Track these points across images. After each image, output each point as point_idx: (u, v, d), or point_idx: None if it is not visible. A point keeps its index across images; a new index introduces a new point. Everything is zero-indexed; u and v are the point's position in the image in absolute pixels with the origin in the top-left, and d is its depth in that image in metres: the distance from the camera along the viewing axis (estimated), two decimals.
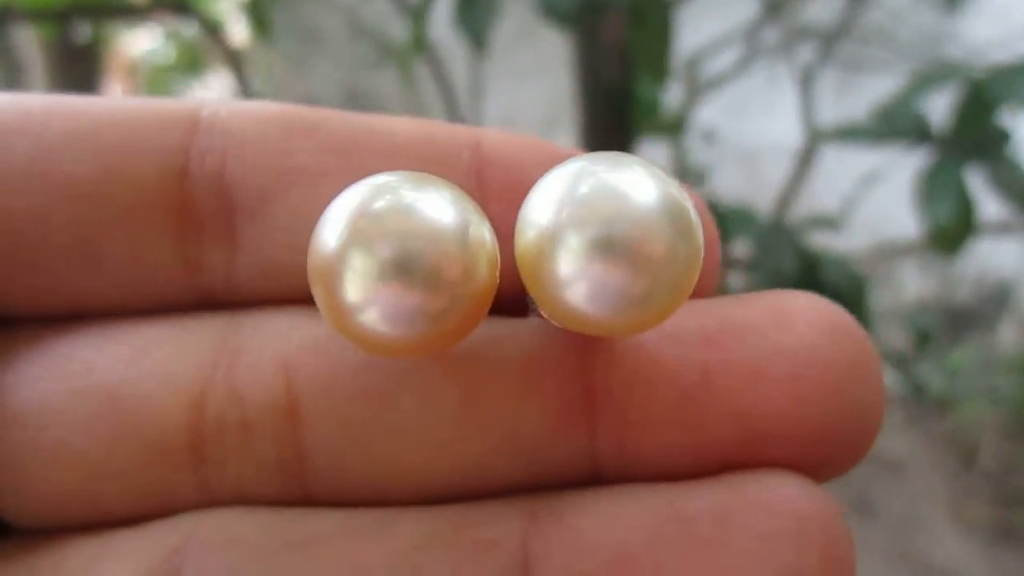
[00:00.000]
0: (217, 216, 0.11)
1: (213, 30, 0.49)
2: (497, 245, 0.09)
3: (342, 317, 0.09)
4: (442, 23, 0.49)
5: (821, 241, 0.52)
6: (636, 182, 0.09)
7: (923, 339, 0.66)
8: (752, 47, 0.65)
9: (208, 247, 0.11)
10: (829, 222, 0.52)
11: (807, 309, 0.10)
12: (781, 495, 0.09)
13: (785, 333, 0.10)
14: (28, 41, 0.61)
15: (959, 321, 1.09)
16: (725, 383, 0.10)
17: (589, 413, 0.10)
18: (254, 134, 0.11)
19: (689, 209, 0.09)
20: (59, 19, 0.44)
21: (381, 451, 0.10)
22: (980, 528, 0.89)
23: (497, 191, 0.11)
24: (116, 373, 0.10)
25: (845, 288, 0.49)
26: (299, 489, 0.10)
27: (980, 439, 0.97)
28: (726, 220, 0.50)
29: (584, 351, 0.10)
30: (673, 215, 0.09)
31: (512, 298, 0.11)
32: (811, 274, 0.49)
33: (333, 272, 0.09)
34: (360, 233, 0.09)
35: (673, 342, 0.10)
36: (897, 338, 0.83)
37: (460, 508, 0.10)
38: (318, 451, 0.10)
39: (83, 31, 0.57)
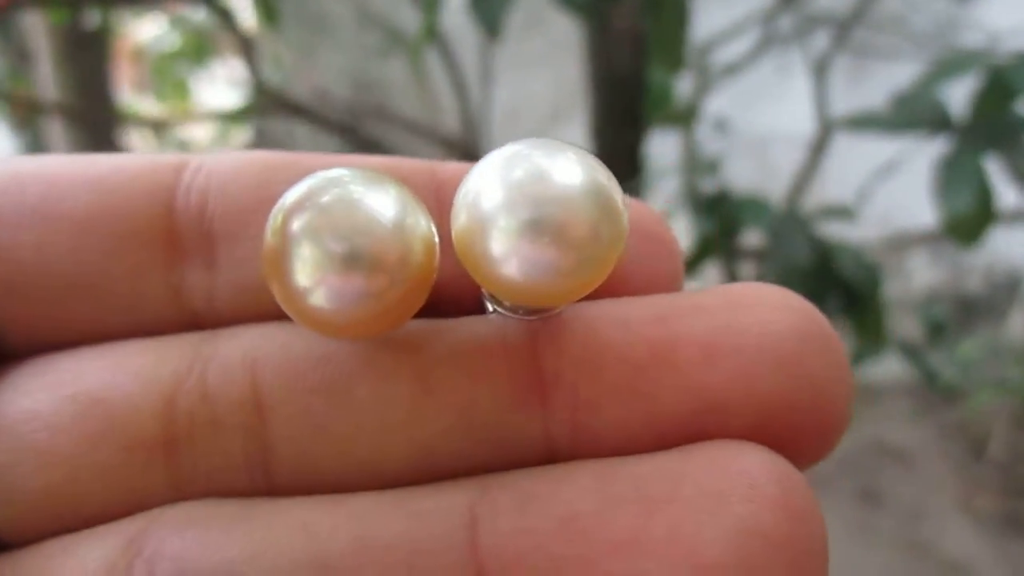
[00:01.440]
0: (199, 243, 0.12)
1: (226, 17, 0.49)
2: (435, 232, 0.10)
3: (293, 299, 0.10)
4: (451, 11, 0.49)
5: (832, 231, 0.52)
6: (565, 168, 0.09)
7: (935, 329, 0.65)
8: (766, 35, 0.65)
9: (191, 271, 0.12)
10: (844, 212, 0.52)
11: (761, 292, 0.10)
12: (735, 458, 0.09)
13: (736, 311, 0.10)
14: (35, 28, 0.61)
15: (969, 311, 1.08)
16: (675, 357, 0.10)
17: (541, 394, 0.10)
18: (234, 169, 0.12)
19: (614, 193, 0.10)
20: (72, 5, 0.44)
21: (340, 435, 0.10)
22: (989, 518, 0.89)
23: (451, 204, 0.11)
24: (99, 379, 0.11)
25: (859, 278, 0.49)
26: (265, 482, 0.11)
27: (990, 429, 0.97)
28: (739, 209, 0.50)
29: (535, 337, 0.11)
30: (598, 198, 0.09)
31: (471, 299, 0.12)
32: (824, 264, 0.49)
33: (284, 258, 0.10)
34: (309, 224, 0.09)
35: (623, 324, 0.10)
36: (908, 328, 0.83)
37: (413, 487, 0.10)
38: (282, 441, 0.10)
39: (92, 18, 0.57)
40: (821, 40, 0.68)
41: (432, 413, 0.10)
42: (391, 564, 0.09)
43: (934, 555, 0.83)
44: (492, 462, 0.10)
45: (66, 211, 0.11)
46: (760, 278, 0.55)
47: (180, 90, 1.03)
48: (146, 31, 1.02)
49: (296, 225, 0.10)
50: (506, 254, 0.09)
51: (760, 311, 0.10)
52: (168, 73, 0.98)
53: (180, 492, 0.11)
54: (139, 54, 1.05)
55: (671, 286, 0.11)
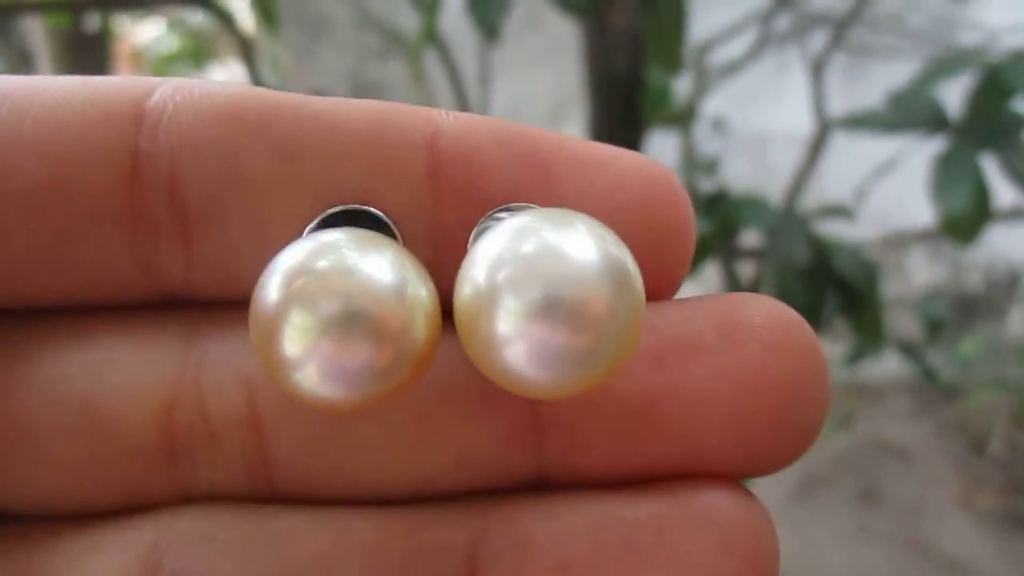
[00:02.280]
0: (171, 221, 0.10)
1: (226, 20, 0.49)
2: (438, 303, 0.10)
3: (281, 373, 0.09)
4: (450, 12, 0.49)
5: (830, 230, 0.52)
6: (577, 241, 0.09)
7: (934, 327, 0.65)
8: (764, 35, 0.65)
9: (164, 251, 0.11)
10: (842, 211, 0.52)
11: (759, 323, 0.10)
12: (713, 507, 0.10)
13: (732, 354, 0.10)
14: (35, 30, 0.61)
15: (969, 309, 1.08)
16: (670, 408, 0.10)
17: (536, 434, 0.11)
18: (202, 134, 0.10)
19: (629, 267, 0.09)
20: (74, 9, 0.44)
21: (340, 463, 0.11)
22: (989, 516, 0.89)
23: (451, 196, 0.10)
24: (86, 383, 0.10)
25: (857, 277, 0.49)
26: (267, 489, 0.11)
27: (990, 427, 0.97)
28: (738, 209, 0.50)
29: None
30: (614, 274, 0.09)
31: None
32: (823, 263, 0.49)
33: (273, 327, 0.09)
34: (302, 291, 0.09)
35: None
36: (907, 326, 0.83)
37: (414, 511, 0.11)
38: (282, 460, 0.11)
39: (93, 20, 0.57)
40: (818, 39, 0.68)
41: (431, 451, 0.10)
42: None
43: (934, 553, 0.83)
44: (486, 490, 0.11)
45: (15, 188, 0.10)
46: (759, 278, 0.55)
47: None
48: (145, 34, 1.02)
49: (290, 290, 0.09)
50: (513, 335, 0.09)
51: (757, 352, 0.10)
52: (167, 75, 0.98)
53: (184, 494, 0.11)
54: (138, 56, 1.06)
55: (678, 274, 0.11)
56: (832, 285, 0.51)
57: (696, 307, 0.11)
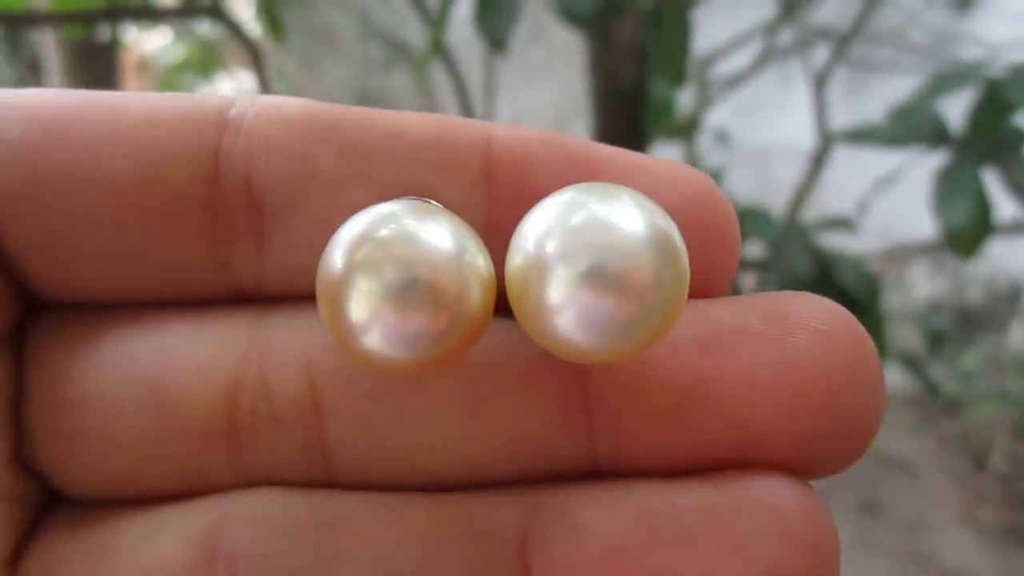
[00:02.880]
0: (246, 218, 0.11)
1: (236, 30, 0.49)
2: (493, 270, 0.10)
3: (347, 336, 0.09)
4: (455, 24, 0.50)
5: (832, 242, 0.52)
6: (624, 213, 0.09)
7: (936, 340, 0.65)
8: (767, 48, 0.65)
9: (238, 247, 0.11)
10: (844, 223, 0.52)
11: (808, 314, 0.10)
12: (768, 495, 0.10)
13: (782, 341, 0.10)
14: (45, 40, 0.62)
15: (970, 322, 1.08)
16: (719, 391, 0.10)
17: (586, 417, 0.11)
18: (277, 137, 0.11)
19: (675, 237, 0.09)
20: (88, 20, 0.45)
21: (395, 445, 0.11)
22: (991, 530, 0.88)
23: (505, 195, 0.11)
24: (157, 366, 0.11)
25: (859, 289, 0.49)
26: (323, 473, 0.11)
27: (991, 441, 0.97)
28: (740, 220, 0.50)
29: None
30: (660, 244, 0.09)
31: None
32: (825, 275, 0.49)
33: (340, 293, 0.09)
34: (366, 258, 0.09)
35: (669, 349, 0.10)
36: (909, 339, 0.83)
37: (466, 496, 0.11)
38: (339, 442, 0.11)
39: (105, 31, 0.58)
40: (821, 53, 0.69)
41: (482, 433, 0.11)
42: None
43: (935, 567, 0.83)
44: (537, 475, 0.11)
45: (106, 178, 0.11)
46: (761, 289, 0.55)
47: None
48: (152, 43, 1.03)
49: (355, 258, 0.09)
50: (563, 303, 0.09)
51: (806, 341, 0.10)
52: (173, 85, 0.99)
53: (244, 477, 0.11)
54: (144, 66, 1.06)
55: (723, 278, 0.11)
56: (833, 297, 0.51)
57: (744, 302, 0.11)
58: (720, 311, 0.11)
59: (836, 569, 0.10)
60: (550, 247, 0.09)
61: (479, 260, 0.10)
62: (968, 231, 0.37)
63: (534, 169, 0.11)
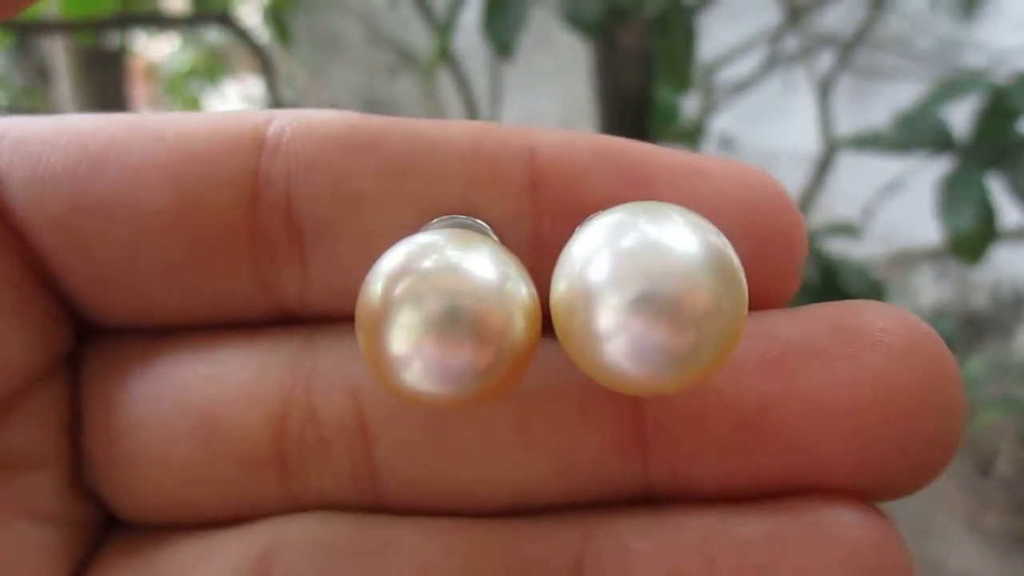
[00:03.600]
0: (287, 240, 0.11)
1: (248, 37, 0.50)
2: (537, 299, 0.10)
3: (387, 371, 0.09)
4: (461, 30, 0.50)
5: (836, 248, 0.52)
6: (677, 233, 0.09)
7: None
8: (772, 54, 0.66)
9: (281, 269, 0.11)
10: (849, 229, 0.52)
11: (879, 328, 0.09)
12: (836, 524, 0.09)
13: (851, 359, 0.09)
14: (55, 47, 0.62)
15: (975, 328, 1.08)
16: (784, 415, 0.10)
17: (642, 444, 0.10)
18: (315, 156, 0.11)
19: (732, 258, 0.09)
20: (99, 28, 0.45)
21: (444, 472, 0.11)
22: (997, 537, 0.88)
23: (551, 208, 0.11)
24: (206, 393, 0.11)
25: (864, 295, 0.49)
26: (373, 498, 0.11)
27: (997, 447, 0.97)
28: None
29: None
30: (716, 266, 0.08)
31: None
32: (829, 281, 0.49)
33: (380, 326, 0.09)
34: (407, 290, 0.09)
35: (730, 370, 0.10)
36: None
37: (516, 523, 0.10)
38: (387, 468, 0.11)
39: (114, 38, 0.58)
40: (825, 60, 0.69)
41: (533, 460, 0.10)
42: None
43: (940, 573, 0.83)
44: (591, 502, 0.11)
45: (147, 207, 0.11)
46: None
47: (193, 108, 1.04)
48: (159, 50, 1.04)
49: (395, 291, 0.09)
50: (612, 332, 0.08)
51: (876, 359, 0.09)
52: (181, 91, 0.99)
53: (294, 502, 0.11)
54: (152, 73, 1.07)
55: (788, 285, 0.10)
56: None
57: (810, 314, 0.10)
58: (784, 326, 0.10)
59: None
60: (598, 273, 0.09)
61: (522, 289, 0.09)
62: (973, 237, 0.37)
63: (583, 180, 0.10)
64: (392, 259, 0.09)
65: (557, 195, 0.11)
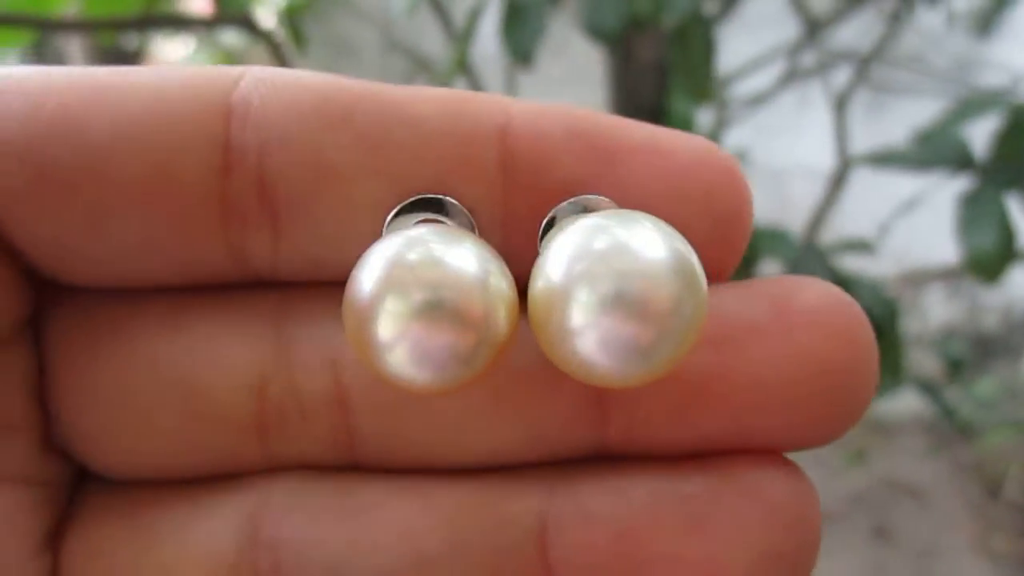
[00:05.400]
0: (260, 212, 0.11)
1: (269, 40, 0.50)
2: (516, 293, 0.10)
3: (373, 355, 0.10)
4: (477, 37, 0.50)
5: (848, 265, 0.52)
6: (645, 238, 0.09)
7: (955, 367, 0.65)
8: (790, 68, 0.65)
9: (253, 239, 0.11)
10: (863, 246, 0.52)
11: (812, 307, 0.11)
12: (762, 482, 0.11)
13: (787, 338, 0.11)
14: (71, 46, 0.62)
15: (986, 349, 1.07)
16: (725, 388, 0.11)
17: (602, 412, 0.11)
18: (288, 128, 0.11)
19: (695, 262, 0.09)
20: (120, 28, 0.45)
21: (421, 437, 0.11)
22: (1004, 559, 0.87)
23: (523, 188, 0.11)
24: (184, 363, 0.11)
25: (877, 313, 0.49)
26: (351, 460, 0.12)
27: (1006, 469, 0.96)
28: (759, 239, 0.50)
29: None
30: (680, 270, 0.09)
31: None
32: None
33: (367, 315, 0.10)
34: (395, 280, 0.10)
35: None
36: (923, 364, 0.82)
37: (488, 482, 0.11)
38: (366, 434, 0.11)
39: (132, 39, 0.58)
40: (842, 75, 0.69)
41: (505, 428, 0.11)
42: (477, 564, 0.11)
43: None
44: (554, 460, 0.12)
45: (115, 178, 0.10)
46: None
47: None
48: (175, 51, 1.04)
49: (383, 281, 0.10)
50: (584, 327, 0.09)
51: (811, 339, 0.11)
52: None
53: (275, 462, 0.12)
54: None
55: (734, 260, 0.11)
56: None
57: (753, 290, 0.11)
58: (730, 301, 0.11)
59: (818, 547, 0.11)
60: (573, 272, 0.09)
61: (503, 284, 0.10)
62: (992, 256, 0.37)
63: (554, 160, 0.11)
64: (381, 251, 0.10)
65: (527, 176, 0.11)
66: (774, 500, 0.11)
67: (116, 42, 0.54)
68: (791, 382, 0.11)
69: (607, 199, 0.11)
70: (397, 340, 0.09)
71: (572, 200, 0.11)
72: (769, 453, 0.11)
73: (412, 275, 0.10)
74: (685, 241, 0.10)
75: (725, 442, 0.11)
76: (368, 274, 0.10)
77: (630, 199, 0.11)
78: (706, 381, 0.11)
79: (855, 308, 0.11)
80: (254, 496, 0.11)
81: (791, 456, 0.11)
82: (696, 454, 0.11)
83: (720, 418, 0.11)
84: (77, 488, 0.12)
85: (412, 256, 0.10)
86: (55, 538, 0.12)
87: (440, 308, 0.09)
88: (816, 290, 0.11)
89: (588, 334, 0.09)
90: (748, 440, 0.11)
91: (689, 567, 0.11)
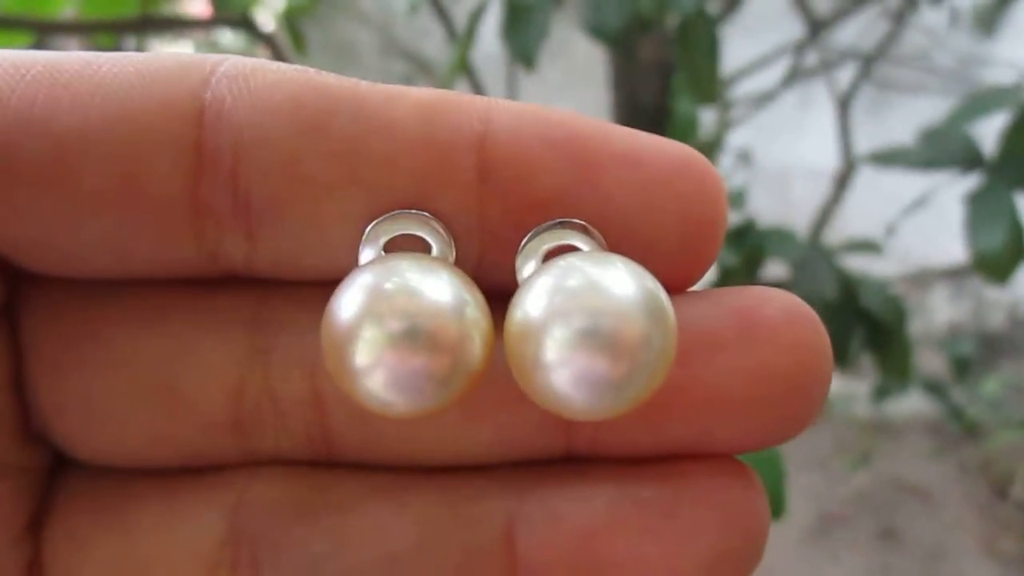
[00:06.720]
0: (234, 215, 0.11)
1: (269, 41, 0.49)
2: (491, 322, 0.10)
3: (350, 381, 0.10)
4: (477, 38, 0.49)
5: (853, 265, 0.51)
6: (616, 277, 0.10)
7: (961, 366, 0.64)
8: (793, 68, 0.65)
9: (227, 241, 0.11)
10: (869, 246, 0.51)
11: (776, 323, 0.11)
12: (717, 489, 0.11)
13: (751, 352, 0.11)
14: (70, 47, 0.62)
15: (991, 348, 1.07)
16: (687, 399, 0.11)
17: (567, 422, 0.12)
18: (263, 134, 0.10)
19: (664, 300, 0.10)
20: (119, 30, 0.45)
21: (394, 442, 0.12)
22: (1011, 560, 0.87)
23: (500, 200, 0.11)
24: (163, 366, 0.11)
25: (884, 312, 0.48)
26: (327, 456, 0.12)
27: (1013, 469, 0.95)
28: (764, 240, 0.49)
29: None
30: (649, 306, 0.10)
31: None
32: (849, 298, 0.48)
33: (345, 342, 0.10)
34: (371, 310, 0.10)
35: None
36: (928, 363, 0.82)
37: (460, 483, 0.12)
38: (342, 435, 0.12)
39: (131, 42, 0.58)
40: (845, 74, 0.68)
41: (475, 432, 0.12)
42: (446, 563, 0.12)
43: None
44: (524, 464, 0.12)
45: (84, 182, 0.10)
46: None
47: None
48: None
49: (360, 310, 0.10)
50: (558, 362, 0.10)
51: (772, 353, 0.11)
52: None
53: (252, 458, 0.12)
54: None
55: (704, 270, 0.12)
56: (858, 320, 0.50)
57: (718, 302, 0.11)
58: (696, 314, 0.11)
59: (764, 544, 0.12)
60: (548, 308, 0.10)
61: (479, 314, 0.10)
62: (1001, 256, 0.37)
63: (530, 170, 0.11)
64: (359, 280, 0.10)
65: (505, 188, 0.11)
66: (726, 504, 0.11)
67: (114, 44, 0.54)
68: (752, 392, 0.11)
69: (584, 222, 0.11)
70: (373, 365, 0.10)
71: (556, 222, 0.11)
72: (723, 458, 0.12)
73: (389, 304, 0.10)
74: (655, 280, 0.10)
75: (686, 446, 0.12)
76: (345, 302, 0.10)
77: (606, 209, 0.11)
78: (672, 392, 0.11)
79: (815, 321, 0.11)
80: (234, 492, 0.12)
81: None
82: (657, 457, 0.12)
83: (683, 426, 0.11)
84: (56, 475, 0.12)
85: (388, 286, 0.10)
86: (35, 527, 0.12)
87: (416, 336, 0.10)
88: (779, 304, 0.11)
89: (562, 369, 0.10)
90: (708, 445, 0.12)
91: (647, 567, 0.11)
